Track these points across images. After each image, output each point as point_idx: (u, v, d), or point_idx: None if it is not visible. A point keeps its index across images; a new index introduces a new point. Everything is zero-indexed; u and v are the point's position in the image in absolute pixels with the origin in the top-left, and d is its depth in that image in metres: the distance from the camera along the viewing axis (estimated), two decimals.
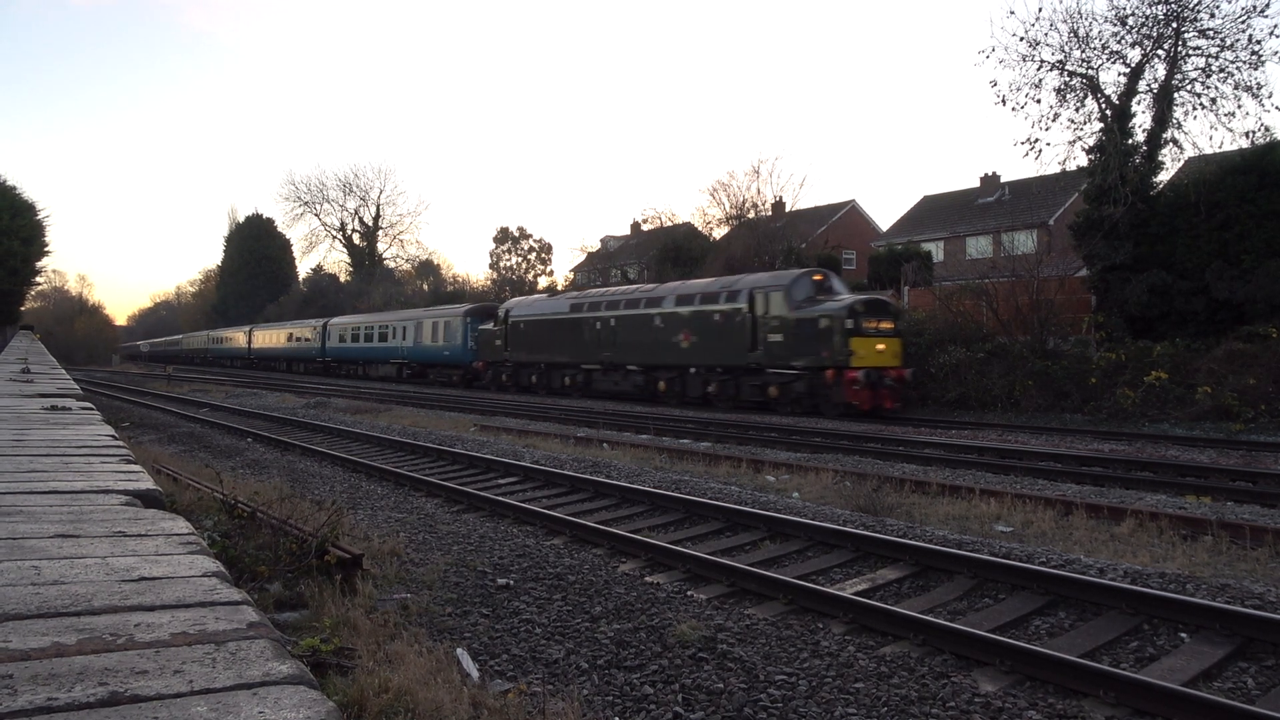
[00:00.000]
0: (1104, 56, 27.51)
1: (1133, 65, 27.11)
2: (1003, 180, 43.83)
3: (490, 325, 33.23)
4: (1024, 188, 40.46)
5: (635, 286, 28.70)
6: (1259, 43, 25.63)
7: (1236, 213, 23.05)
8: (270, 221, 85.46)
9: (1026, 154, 31.61)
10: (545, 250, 61.55)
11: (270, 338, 59.52)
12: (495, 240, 61.75)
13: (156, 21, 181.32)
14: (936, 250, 40.30)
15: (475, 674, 4.66)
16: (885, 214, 68.15)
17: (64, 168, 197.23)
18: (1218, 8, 26.17)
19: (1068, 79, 27.88)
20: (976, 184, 45.79)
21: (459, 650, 4.98)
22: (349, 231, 77.03)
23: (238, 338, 66.99)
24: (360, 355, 46.12)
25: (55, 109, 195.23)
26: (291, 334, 55.93)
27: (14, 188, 35.47)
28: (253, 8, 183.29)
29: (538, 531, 8.31)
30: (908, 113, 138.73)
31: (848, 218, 49.08)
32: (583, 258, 58.49)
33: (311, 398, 28.17)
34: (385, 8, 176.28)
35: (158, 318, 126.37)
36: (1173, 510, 8.79)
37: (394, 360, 41.86)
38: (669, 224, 48.73)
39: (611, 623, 5.56)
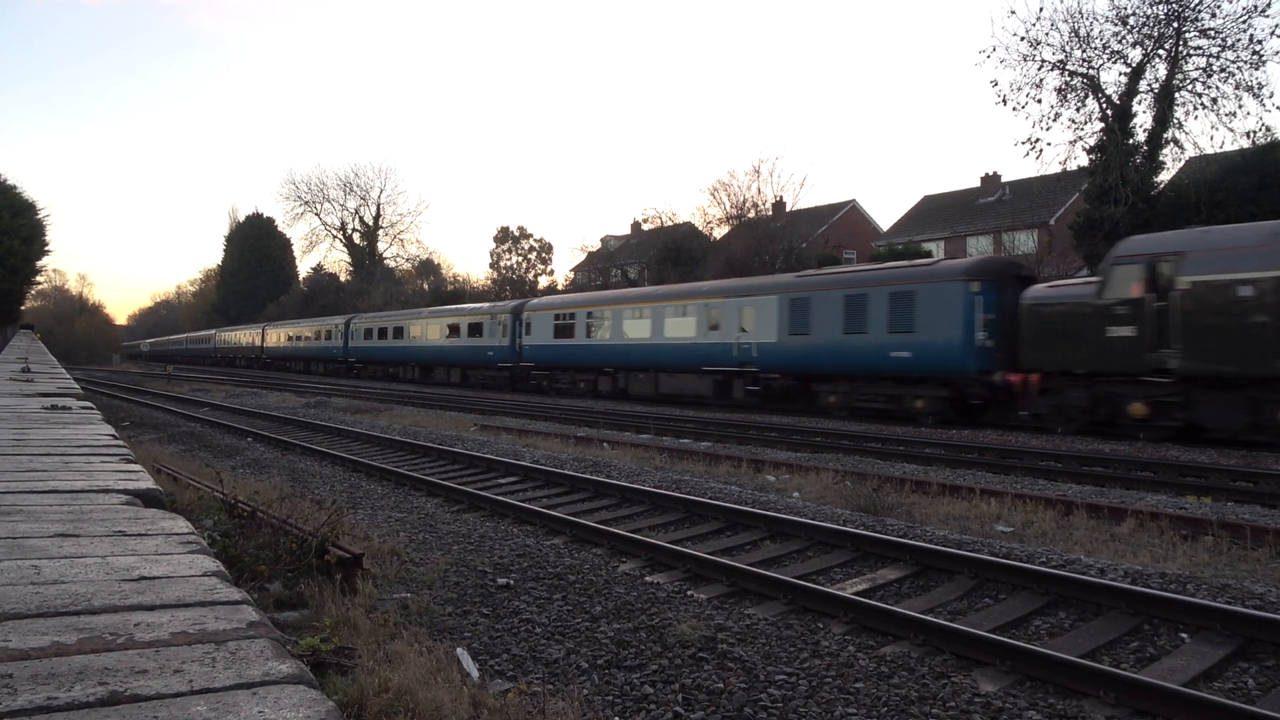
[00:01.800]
0: (1105, 56, 27.52)
1: (1134, 65, 27.12)
2: (1003, 180, 43.82)
3: (1079, 292, 16.57)
4: (1025, 187, 40.45)
5: None
6: (1260, 42, 25.62)
7: (1238, 213, 23.02)
8: (271, 221, 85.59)
9: (1027, 154, 31.63)
10: (546, 250, 61.52)
11: (386, 333, 42.71)
12: (495, 239, 61.71)
13: (163, 22, 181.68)
14: (937, 250, 40.29)
15: (475, 673, 4.66)
16: (886, 214, 68.06)
17: (64, 167, 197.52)
18: (1219, 7, 26.17)
19: (1068, 79, 27.90)
20: (977, 184, 45.76)
21: (459, 650, 4.98)
22: (349, 231, 77.14)
23: (314, 333, 50.68)
24: (620, 357, 27.17)
25: (56, 108, 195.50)
26: (439, 326, 38.09)
27: (14, 187, 35.50)
28: (258, 9, 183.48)
29: (538, 531, 8.30)
30: (908, 112, 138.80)
31: (848, 217, 49.06)
32: (583, 257, 58.51)
33: (312, 397, 28.19)
34: (386, 8, 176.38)
35: (158, 317, 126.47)
36: (1173, 510, 8.79)
37: (719, 368, 23.56)
38: (669, 224, 48.76)
39: (612, 622, 5.56)
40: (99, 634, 2.25)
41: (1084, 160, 28.15)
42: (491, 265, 61.82)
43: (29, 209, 35.97)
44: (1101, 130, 27.35)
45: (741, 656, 4.91)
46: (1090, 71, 27.62)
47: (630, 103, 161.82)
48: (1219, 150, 27.26)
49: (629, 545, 7.45)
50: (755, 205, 43.57)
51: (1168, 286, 14.85)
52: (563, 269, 67.75)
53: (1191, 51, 26.34)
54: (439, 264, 72.03)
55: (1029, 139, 29.03)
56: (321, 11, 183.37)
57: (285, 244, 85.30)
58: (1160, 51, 26.57)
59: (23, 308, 49.78)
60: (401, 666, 4.33)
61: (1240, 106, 26.08)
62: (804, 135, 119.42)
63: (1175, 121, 26.71)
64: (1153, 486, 10.79)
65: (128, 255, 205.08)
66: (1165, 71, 26.59)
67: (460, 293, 57.30)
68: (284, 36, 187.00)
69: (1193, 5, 25.88)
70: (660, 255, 42.82)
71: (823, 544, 7.59)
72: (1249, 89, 25.67)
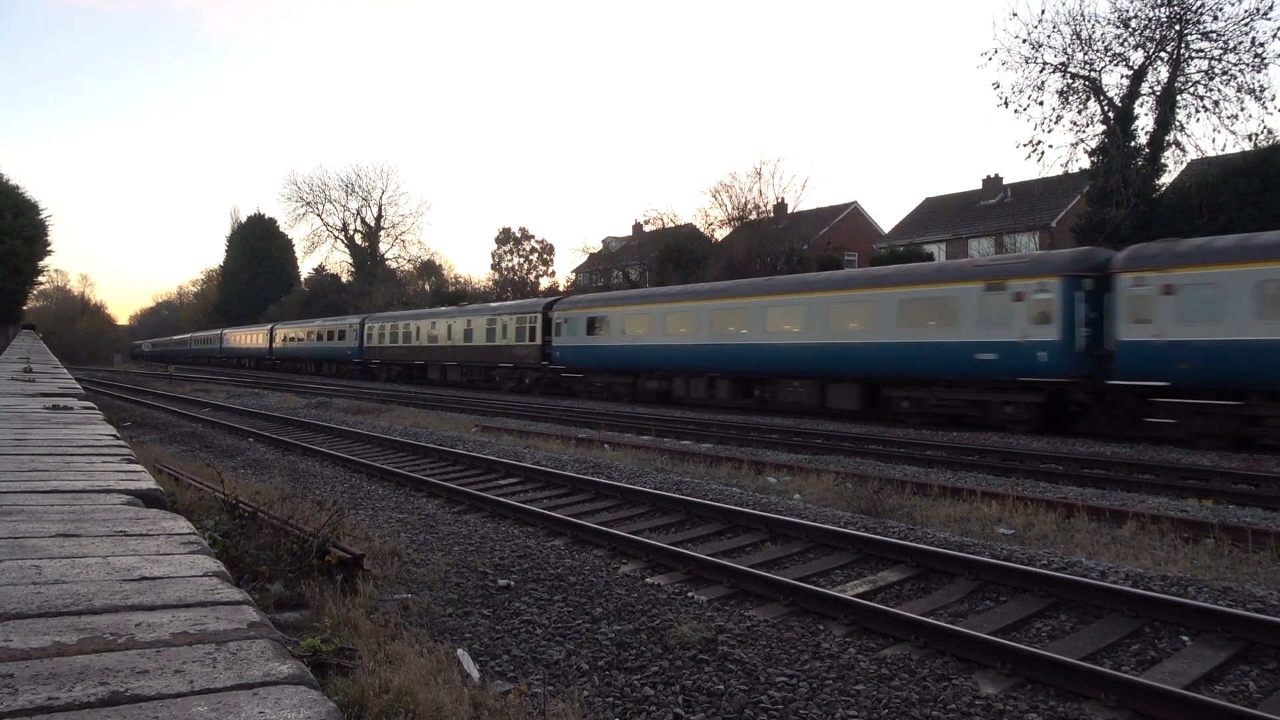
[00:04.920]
0: (1106, 59, 27.55)
1: (1135, 67, 27.14)
2: (1005, 182, 43.80)
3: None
4: (1026, 190, 40.43)
5: None
6: (1262, 45, 25.65)
7: (1239, 215, 23.00)
8: (272, 221, 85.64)
9: (1029, 156, 31.72)
10: (547, 251, 61.60)
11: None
12: (497, 241, 61.82)
13: (176, 26, 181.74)
14: (939, 252, 40.29)
15: (476, 675, 4.66)
16: (887, 216, 68.08)
17: (67, 167, 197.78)
18: (1220, 10, 26.26)
19: (1070, 81, 27.92)
20: (979, 186, 45.75)
21: (460, 651, 4.98)
22: (351, 232, 77.10)
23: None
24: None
25: (60, 109, 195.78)
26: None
27: (17, 187, 35.57)
28: (273, 13, 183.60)
29: (539, 532, 8.30)
30: (910, 114, 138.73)
31: (850, 219, 49.06)
32: (584, 259, 58.48)
33: (313, 397, 28.20)
34: (389, 9, 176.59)
35: (160, 318, 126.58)
36: (1175, 513, 8.78)
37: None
38: (671, 225, 48.76)
39: (612, 624, 5.56)
40: (100, 634, 2.25)
41: (1086, 163, 28.17)
42: (493, 266, 61.96)
43: (31, 209, 36.06)
44: (1103, 133, 27.36)
45: (742, 658, 4.91)
46: (1092, 74, 27.64)
47: (632, 104, 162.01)
48: (1221, 153, 27.28)
49: (630, 547, 7.45)
50: (757, 207, 43.60)
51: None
52: (564, 270, 67.85)
53: (1193, 54, 26.35)
54: (440, 265, 72.13)
55: (1031, 141, 29.09)
56: (321, 13, 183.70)
57: (287, 245, 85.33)
58: (1162, 54, 26.59)
59: (25, 308, 49.92)
60: (402, 667, 4.33)
61: (1242, 109, 26.11)
62: (806, 137, 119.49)
63: (1177, 124, 26.73)
64: (1154, 489, 10.78)
65: (130, 255, 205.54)
66: (1167, 74, 26.60)
67: (461, 294, 57.38)
68: (288, 39, 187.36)
69: (1194, 8, 25.90)
70: (662, 257, 42.85)
71: (824, 546, 7.59)
72: (1251, 91, 25.68)
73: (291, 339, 55.91)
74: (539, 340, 31.81)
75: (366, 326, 45.76)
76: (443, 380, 38.23)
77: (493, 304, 39.89)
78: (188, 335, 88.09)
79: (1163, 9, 26.13)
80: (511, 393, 32.32)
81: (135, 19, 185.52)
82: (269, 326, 60.47)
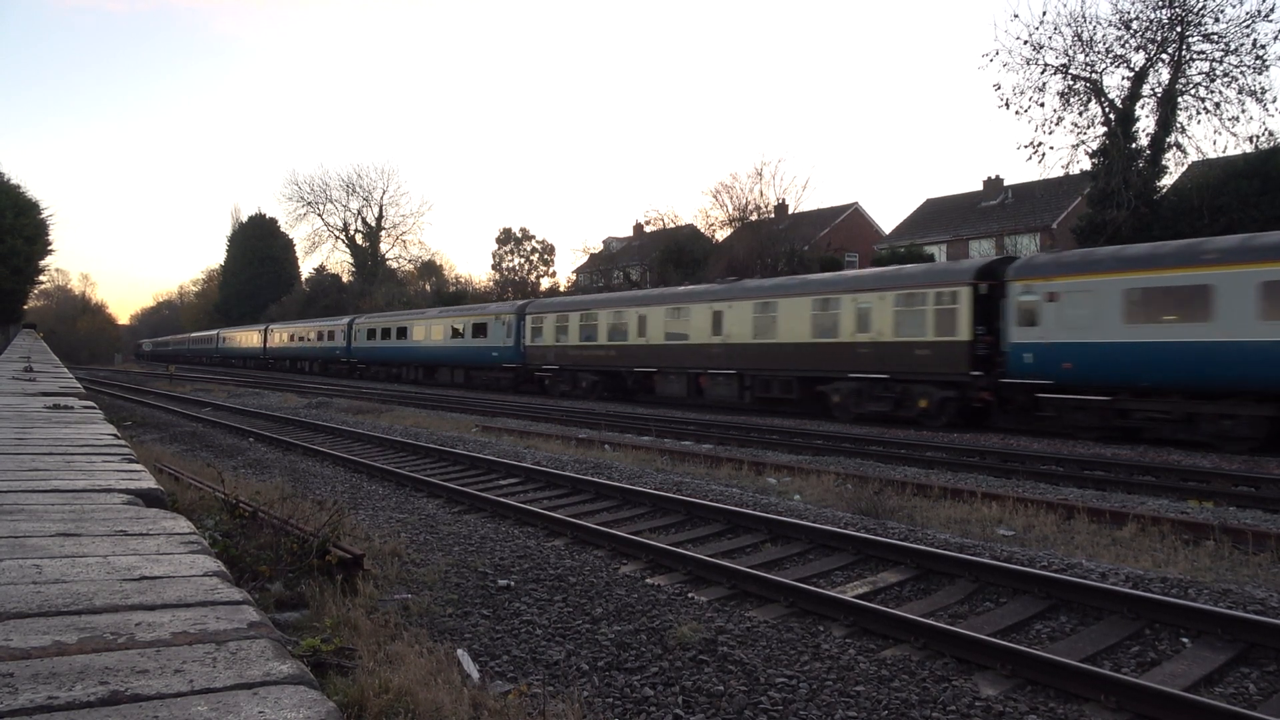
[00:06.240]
0: (1108, 60, 27.55)
1: (1137, 69, 27.14)
2: (1006, 183, 43.79)
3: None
4: (1027, 191, 40.41)
5: None
6: (1263, 47, 25.64)
7: (1240, 217, 23.00)
8: (273, 221, 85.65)
9: (1030, 157, 31.75)
10: (548, 251, 61.58)
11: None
12: (498, 241, 61.77)
13: (179, 26, 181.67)
14: (939, 253, 40.28)
15: (476, 675, 4.66)
16: (888, 216, 68.09)
17: (68, 167, 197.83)
18: (1222, 12, 26.22)
19: (1071, 83, 27.93)
20: (979, 187, 45.75)
21: (460, 651, 4.98)
22: (352, 232, 77.07)
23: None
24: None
25: (61, 108, 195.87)
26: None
27: (18, 186, 35.62)
28: (265, 12, 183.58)
29: (539, 533, 8.30)
30: (911, 115, 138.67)
31: (850, 220, 49.07)
32: (585, 259, 58.48)
33: (314, 398, 28.20)
34: (390, 10, 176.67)
35: (160, 317, 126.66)
36: (1175, 515, 8.77)
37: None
38: (671, 225, 48.74)
39: (612, 624, 5.56)
40: (100, 633, 2.25)
41: (1086, 164, 28.18)
42: (494, 267, 61.94)
43: (33, 208, 36.11)
44: (1104, 134, 27.37)
45: (742, 659, 4.91)
46: (1093, 75, 27.65)
47: (633, 105, 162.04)
48: (1222, 155, 27.29)
49: (630, 547, 7.45)
50: (758, 207, 43.59)
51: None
52: (565, 270, 67.81)
53: (1195, 56, 26.36)
54: (441, 265, 72.14)
55: (1032, 143, 29.13)
56: (328, 15, 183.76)
57: (288, 244, 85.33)
58: (1163, 56, 26.60)
59: (25, 307, 49.96)
60: (402, 667, 4.33)
61: (1243, 111, 26.12)
62: (807, 137, 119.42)
63: (1178, 126, 26.74)
64: (1154, 491, 10.78)
65: (130, 255, 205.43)
66: (1168, 76, 26.61)
67: (462, 294, 57.37)
68: (290, 40, 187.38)
69: (1196, 10, 25.90)
70: (662, 257, 42.85)
71: (824, 547, 7.59)
72: (1252, 94, 25.69)
73: (385, 334, 43.34)
74: (964, 334, 18.42)
75: (530, 319, 32.85)
76: (693, 398, 25.07)
77: (816, 276, 25.42)
78: (211, 333, 77.66)
79: (1164, 11, 26.16)
80: (862, 420, 19.85)
81: (139, 19, 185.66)
82: (347, 319, 48.22)
